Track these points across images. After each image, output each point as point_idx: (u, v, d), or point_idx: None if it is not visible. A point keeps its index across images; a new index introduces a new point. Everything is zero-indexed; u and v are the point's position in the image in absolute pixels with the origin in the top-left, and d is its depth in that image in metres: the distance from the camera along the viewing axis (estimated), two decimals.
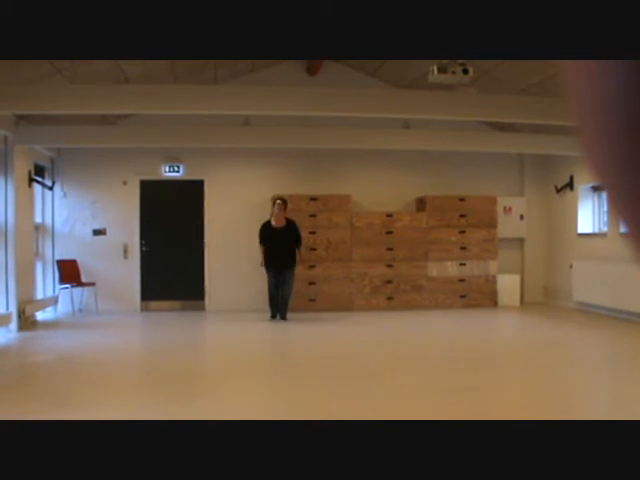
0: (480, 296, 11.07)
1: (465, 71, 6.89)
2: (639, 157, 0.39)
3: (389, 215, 10.87)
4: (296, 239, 9.41)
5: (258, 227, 11.16)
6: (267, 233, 9.41)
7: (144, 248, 10.87)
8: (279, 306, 9.52)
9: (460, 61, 6.82)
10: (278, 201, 9.45)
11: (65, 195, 10.63)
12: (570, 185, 10.91)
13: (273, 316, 9.61)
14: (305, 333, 8.26)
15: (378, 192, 11.16)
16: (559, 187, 11.17)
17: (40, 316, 9.74)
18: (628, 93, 0.38)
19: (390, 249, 10.79)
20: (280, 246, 9.30)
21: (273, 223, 9.43)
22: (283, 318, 9.46)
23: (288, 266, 9.38)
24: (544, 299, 11.66)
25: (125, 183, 10.73)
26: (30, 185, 9.41)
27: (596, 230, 10.58)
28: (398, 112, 8.08)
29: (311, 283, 10.52)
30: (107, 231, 10.71)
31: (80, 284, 10.40)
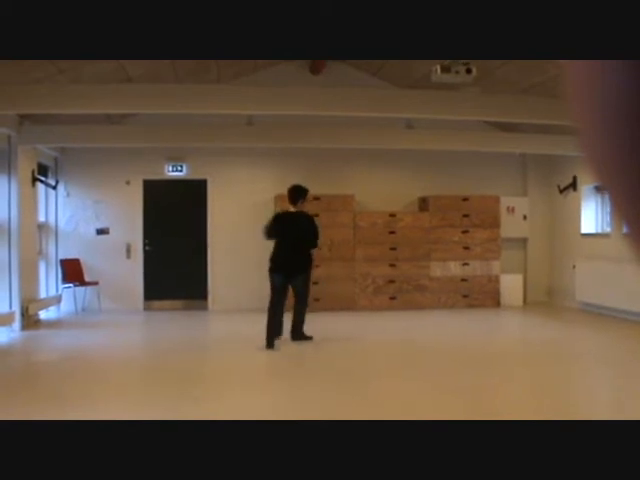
0: (483, 296, 11.06)
1: (468, 71, 6.88)
2: (639, 157, 0.39)
3: (392, 215, 10.86)
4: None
5: (261, 226, 11.16)
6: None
7: (147, 247, 10.88)
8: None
9: (463, 60, 6.81)
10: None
11: (68, 194, 10.64)
12: (573, 185, 10.89)
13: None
14: (309, 333, 8.22)
15: (381, 192, 11.15)
16: (562, 187, 11.15)
17: (43, 315, 9.75)
18: (628, 93, 0.38)
19: (393, 249, 10.79)
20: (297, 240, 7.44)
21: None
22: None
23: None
24: (547, 299, 11.64)
25: (128, 182, 10.74)
26: (33, 184, 9.43)
27: (599, 230, 10.56)
28: (401, 112, 8.07)
29: (314, 283, 10.49)
30: (110, 230, 10.72)
31: (83, 283, 10.41)
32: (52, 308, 10.21)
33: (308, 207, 8.05)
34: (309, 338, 7.70)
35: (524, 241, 11.76)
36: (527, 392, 5.68)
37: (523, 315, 10.49)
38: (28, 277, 9.04)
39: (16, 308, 8.59)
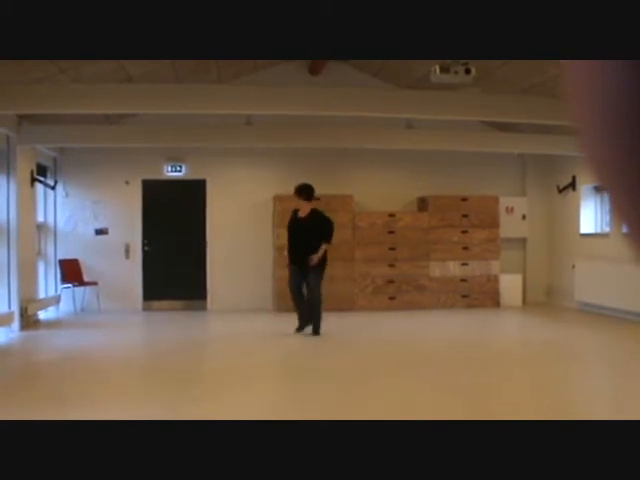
0: (482, 296, 11.06)
1: (467, 71, 6.88)
2: (639, 157, 0.40)
3: (391, 215, 10.86)
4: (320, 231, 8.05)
5: (261, 226, 11.15)
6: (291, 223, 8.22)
7: (146, 248, 10.87)
8: (306, 314, 8.06)
9: (462, 61, 6.81)
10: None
11: (67, 194, 10.64)
12: (572, 185, 10.90)
13: (301, 327, 8.11)
14: (308, 332, 8.22)
15: (380, 192, 11.15)
16: (561, 187, 11.16)
17: (42, 315, 9.74)
18: (628, 93, 0.39)
19: (392, 249, 10.78)
20: (303, 239, 7.97)
21: (299, 213, 8.21)
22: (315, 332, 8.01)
23: (310, 264, 7.91)
24: (546, 299, 11.64)
25: (127, 183, 10.73)
26: (32, 185, 9.42)
27: (598, 230, 10.57)
28: (401, 112, 8.06)
29: None
30: (109, 231, 10.72)
31: (82, 283, 10.40)
32: (51, 308, 10.20)
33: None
34: (298, 330, 8.13)
35: (523, 241, 11.77)
36: (527, 392, 5.68)
37: (522, 315, 10.49)
38: (27, 277, 9.03)
39: (15, 308, 8.59)
